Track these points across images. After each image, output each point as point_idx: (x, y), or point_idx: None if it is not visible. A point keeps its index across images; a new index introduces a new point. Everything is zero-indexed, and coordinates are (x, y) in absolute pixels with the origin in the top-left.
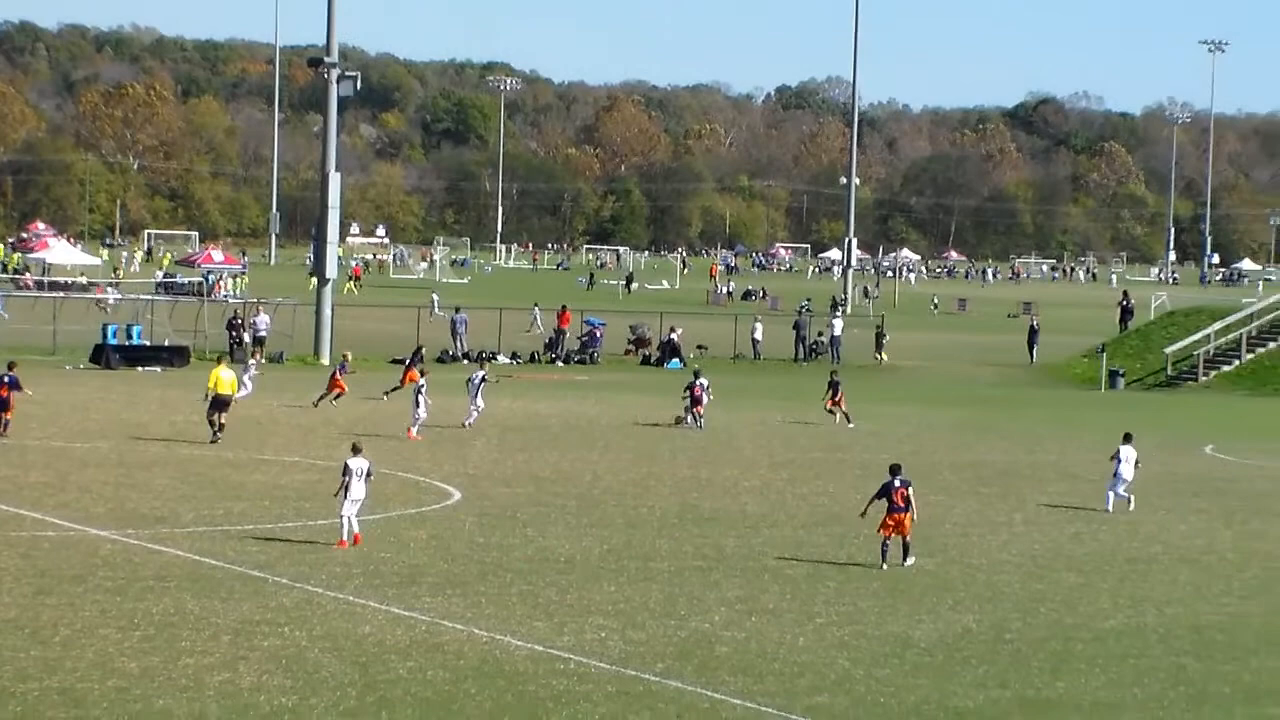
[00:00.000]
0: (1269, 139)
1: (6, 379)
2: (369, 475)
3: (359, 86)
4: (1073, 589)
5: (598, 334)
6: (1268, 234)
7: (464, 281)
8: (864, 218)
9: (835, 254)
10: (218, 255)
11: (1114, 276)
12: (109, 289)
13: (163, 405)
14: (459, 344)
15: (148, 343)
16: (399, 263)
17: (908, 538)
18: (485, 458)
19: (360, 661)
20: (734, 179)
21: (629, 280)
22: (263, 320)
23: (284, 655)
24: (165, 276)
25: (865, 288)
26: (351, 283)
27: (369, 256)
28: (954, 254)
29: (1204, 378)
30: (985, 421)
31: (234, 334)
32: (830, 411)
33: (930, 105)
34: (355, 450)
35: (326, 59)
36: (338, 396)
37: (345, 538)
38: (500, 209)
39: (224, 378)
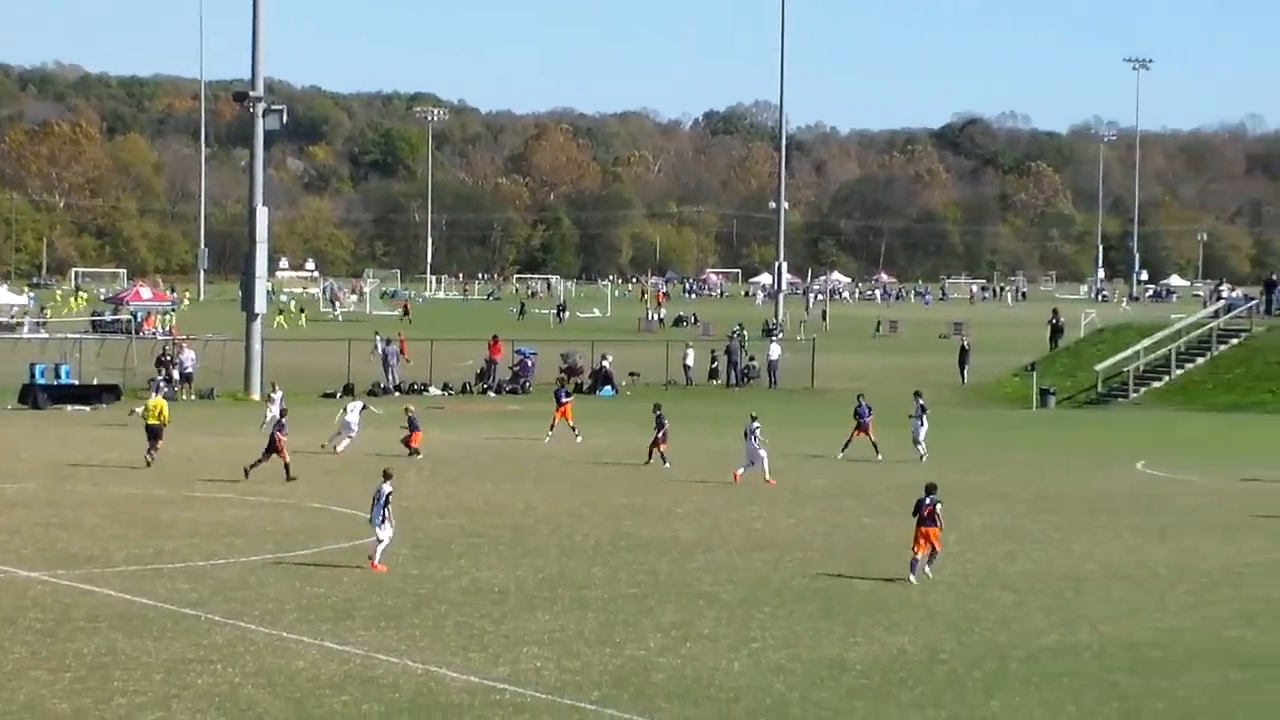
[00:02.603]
0: (1194, 155)
1: (409, 419)
2: (386, 501)
3: (285, 120)
4: (1007, 608)
5: (529, 363)
6: (1195, 250)
7: (396, 313)
8: (794, 241)
9: (766, 278)
10: (145, 292)
11: (1010, 294)
12: (39, 328)
13: (93, 444)
14: (390, 376)
15: (76, 381)
16: (327, 296)
17: (938, 548)
18: (418, 490)
19: (294, 697)
20: (663, 205)
21: (561, 309)
22: (188, 356)
23: (217, 693)
24: (95, 314)
25: (824, 311)
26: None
27: (299, 290)
28: (884, 275)
29: (1134, 394)
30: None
31: (163, 370)
32: (852, 443)
33: (858, 128)
34: (386, 475)
35: (252, 93)
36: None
37: (378, 560)
38: (430, 240)
39: (152, 404)
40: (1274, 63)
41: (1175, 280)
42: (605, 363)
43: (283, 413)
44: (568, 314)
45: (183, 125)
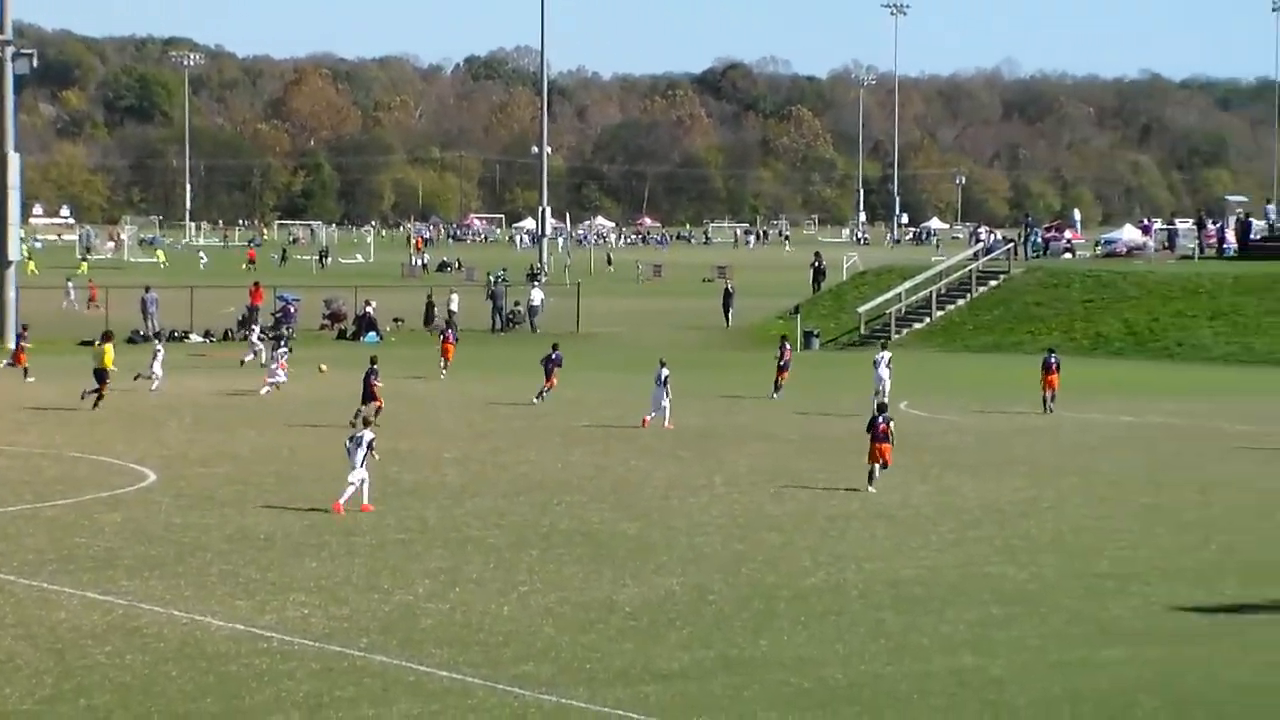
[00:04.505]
0: (951, 100)
1: (553, 356)
2: (369, 446)
3: (35, 64)
4: (774, 548)
5: (291, 310)
6: (953, 193)
7: (155, 260)
8: (557, 186)
9: (530, 223)
10: None
11: (751, 237)
12: None
13: None
14: (150, 323)
15: None
16: (85, 243)
17: (889, 462)
18: (180, 438)
19: (56, 648)
20: (425, 150)
21: (323, 255)
22: None
23: None
24: None
25: (608, 255)
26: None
27: (53, 237)
28: (648, 220)
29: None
30: (682, 385)
31: None
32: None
33: (620, 72)
34: (365, 423)
35: (0, 37)
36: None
37: (342, 501)
38: (188, 186)
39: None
40: (1029, 7)
41: (935, 223)
42: (369, 308)
43: (373, 360)
44: (330, 260)
45: None
